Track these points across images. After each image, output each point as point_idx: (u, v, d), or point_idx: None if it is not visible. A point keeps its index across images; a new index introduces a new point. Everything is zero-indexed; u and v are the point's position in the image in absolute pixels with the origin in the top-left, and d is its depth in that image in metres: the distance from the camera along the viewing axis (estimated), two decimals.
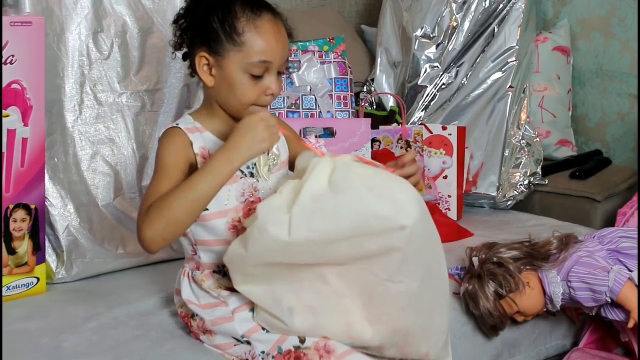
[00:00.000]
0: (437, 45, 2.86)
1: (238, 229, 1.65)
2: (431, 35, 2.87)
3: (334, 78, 2.69)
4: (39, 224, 2.00)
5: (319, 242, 1.49)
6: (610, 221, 2.71)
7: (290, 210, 1.49)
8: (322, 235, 1.49)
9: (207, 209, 1.63)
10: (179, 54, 1.73)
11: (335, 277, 1.56)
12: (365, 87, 3.00)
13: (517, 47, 2.81)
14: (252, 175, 1.68)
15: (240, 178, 1.67)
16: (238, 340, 1.67)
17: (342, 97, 2.67)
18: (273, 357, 1.63)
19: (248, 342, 1.66)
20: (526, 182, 2.80)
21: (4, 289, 1.95)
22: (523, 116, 2.84)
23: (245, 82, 1.62)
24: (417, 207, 1.50)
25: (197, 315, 1.71)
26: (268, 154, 1.70)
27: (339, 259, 1.53)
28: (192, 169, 1.64)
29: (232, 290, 1.66)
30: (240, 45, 1.61)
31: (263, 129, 1.57)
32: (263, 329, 1.65)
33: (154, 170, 1.64)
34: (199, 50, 1.64)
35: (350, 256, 1.52)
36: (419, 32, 2.87)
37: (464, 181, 2.72)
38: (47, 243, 2.06)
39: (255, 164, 1.68)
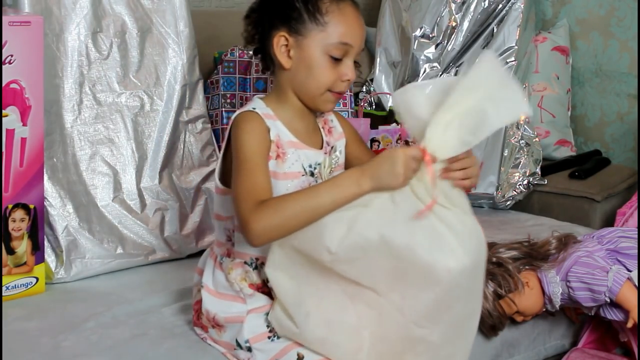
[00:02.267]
0: (437, 46, 2.86)
1: None
2: (430, 36, 2.87)
3: None
4: (38, 223, 2.00)
5: (366, 249, 1.48)
6: (609, 221, 2.71)
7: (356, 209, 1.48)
8: (372, 245, 1.48)
9: None
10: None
11: (363, 301, 1.54)
12: (364, 87, 3.00)
13: (516, 47, 2.81)
14: (312, 174, 1.66)
15: (302, 176, 1.64)
16: (239, 345, 1.66)
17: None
18: None
19: (249, 349, 1.65)
20: (525, 182, 2.80)
21: (3, 288, 1.95)
22: (522, 116, 2.83)
23: (324, 64, 1.61)
24: (471, 258, 1.49)
25: (206, 308, 1.69)
26: (331, 155, 1.69)
27: (375, 279, 1.51)
28: (268, 153, 1.61)
29: (256, 288, 1.66)
30: (323, 25, 1.59)
31: (403, 164, 1.48)
32: (268, 337, 1.64)
33: (237, 159, 1.57)
34: (278, 31, 1.61)
35: (388, 279, 1.50)
36: (418, 32, 2.88)
37: None
38: (46, 243, 2.06)
39: (319, 164, 1.67)
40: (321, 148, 1.69)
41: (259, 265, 1.65)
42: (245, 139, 1.58)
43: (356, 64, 1.65)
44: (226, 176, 1.65)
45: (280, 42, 1.61)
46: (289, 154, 1.63)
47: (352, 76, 1.62)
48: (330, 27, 1.60)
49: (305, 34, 1.60)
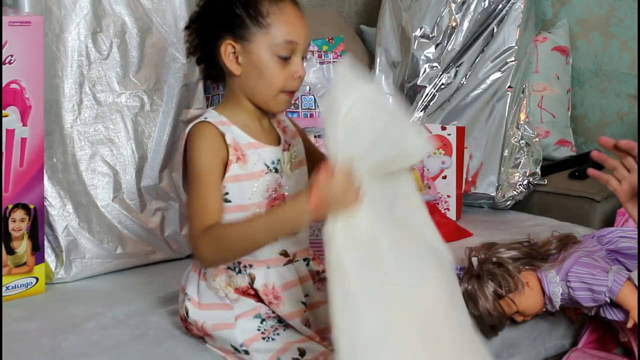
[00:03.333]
0: (437, 46, 2.86)
1: None
2: (430, 36, 2.87)
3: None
4: (38, 224, 1.99)
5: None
6: (609, 221, 2.71)
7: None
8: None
9: (229, 201, 1.63)
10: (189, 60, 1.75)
11: None
12: None
13: (516, 47, 2.81)
14: (276, 170, 1.67)
15: (266, 173, 1.66)
16: (236, 349, 1.66)
17: None
18: None
19: (246, 352, 1.65)
20: (525, 182, 2.80)
21: (3, 289, 1.95)
22: (522, 116, 2.84)
23: (274, 65, 1.63)
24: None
25: (194, 319, 1.69)
26: (290, 150, 1.71)
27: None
28: (224, 164, 1.63)
29: (241, 292, 1.66)
30: (266, 27, 1.62)
31: (347, 190, 1.50)
32: (263, 338, 1.65)
33: (190, 175, 1.62)
34: (223, 39, 1.64)
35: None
36: (418, 32, 2.87)
37: (463, 181, 2.72)
38: (46, 243, 2.06)
39: (279, 160, 1.68)
40: (279, 144, 1.71)
41: (242, 268, 1.66)
42: (197, 156, 1.62)
43: (303, 59, 1.67)
44: None
45: (227, 50, 1.64)
46: (249, 154, 1.64)
47: (302, 72, 1.65)
48: (273, 28, 1.62)
49: (250, 39, 1.62)
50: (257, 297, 1.67)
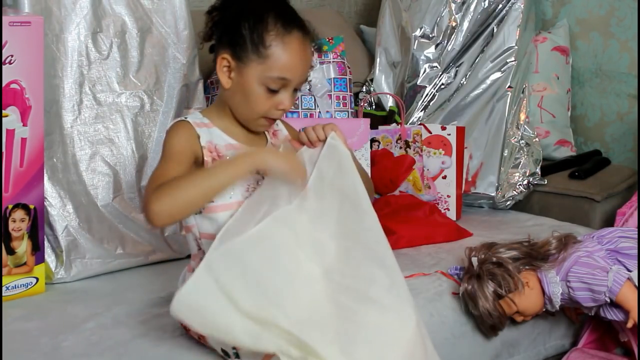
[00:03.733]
0: (437, 46, 2.86)
1: None
2: (430, 36, 2.87)
3: (333, 78, 2.69)
4: (38, 224, 2.00)
5: None
6: (609, 221, 2.71)
7: None
8: None
9: (212, 201, 1.64)
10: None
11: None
12: (364, 87, 3.00)
13: (516, 47, 2.81)
14: (258, 172, 1.68)
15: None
16: (226, 353, 1.66)
17: (341, 97, 2.67)
18: None
19: (237, 355, 1.65)
20: (525, 182, 2.80)
21: (3, 289, 1.95)
22: (522, 116, 2.84)
23: (260, 94, 1.64)
24: None
25: None
26: None
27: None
28: (198, 163, 1.65)
29: None
30: (263, 58, 1.62)
31: (294, 166, 1.61)
32: None
33: (161, 157, 1.64)
34: (223, 51, 1.65)
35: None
36: (418, 32, 2.87)
37: (463, 181, 2.72)
38: (46, 243, 2.06)
39: None
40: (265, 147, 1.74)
41: None
42: (168, 142, 1.65)
43: (296, 91, 1.67)
44: None
45: (222, 63, 1.65)
46: (227, 156, 1.66)
47: (287, 106, 1.66)
48: (270, 60, 1.62)
49: (245, 62, 1.63)
50: None
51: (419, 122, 2.79)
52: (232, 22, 1.64)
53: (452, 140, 2.65)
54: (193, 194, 1.56)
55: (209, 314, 1.50)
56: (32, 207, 1.98)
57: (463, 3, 2.83)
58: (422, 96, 2.87)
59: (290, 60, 1.63)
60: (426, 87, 2.87)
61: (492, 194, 2.76)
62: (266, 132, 1.76)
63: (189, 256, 1.77)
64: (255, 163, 1.59)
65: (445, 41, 2.85)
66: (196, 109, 1.74)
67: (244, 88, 1.64)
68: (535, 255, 2.06)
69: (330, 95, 2.66)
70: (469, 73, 2.84)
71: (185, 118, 1.68)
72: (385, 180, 2.51)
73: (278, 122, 1.79)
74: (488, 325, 2.04)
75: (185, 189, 1.55)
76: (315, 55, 2.66)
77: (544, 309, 2.07)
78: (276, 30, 1.62)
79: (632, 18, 3.12)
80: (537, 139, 2.88)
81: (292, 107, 2.56)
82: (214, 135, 1.67)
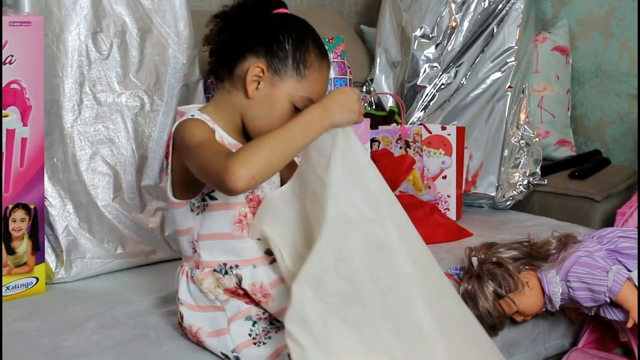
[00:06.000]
0: (437, 46, 2.86)
1: (243, 224, 1.65)
2: (430, 36, 2.87)
3: (334, 78, 2.69)
4: (38, 224, 2.00)
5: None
6: (609, 221, 2.71)
7: None
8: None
9: (215, 199, 1.63)
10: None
11: None
12: (364, 87, 3.00)
13: (516, 47, 2.81)
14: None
15: None
16: (226, 356, 1.66)
17: None
18: None
19: (237, 358, 1.66)
20: (525, 182, 2.80)
21: (3, 288, 1.95)
22: (522, 116, 2.84)
23: (285, 110, 1.64)
24: None
25: (189, 323, 1.70)
26: None
27: None
28: None
29: (231, 293, 1.67)
30: (302, 77, 1.63)
31: (356, 101, 1.56)
32: (254, 343, 1.65)
33: (191, 146, 1.57)
34: (257, 59, 1.63)
35: None
36: (418, 32, 2.88)
37: (463, 181, 2.72)
38: (46, 243, 2.06)
39: None
40: None
41: (228, 270, 1.66)
42: (194, 131, 1.60)
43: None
44: (178, 189, 1.67)
45: (254, 72, 1.63)
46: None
47: None
48: (306, 81, 1.64)
49: (282, 77, 1.63)
50: (247, 297, 1.67)
51: (419, 122, 2.80)
52: (270, 33, 1.63)
53: (452, 140, 2.65)
54: (274, 154, 1.50)
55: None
56: (32, 207, 1.98)
57: (463, 3, 2.83)
58: (422, 96, 2.87)
59: (322, 84, 1.66)
60: (426, 87, 2.87)
61: (492, 194, 2.76)
62: None
63: None
64: (326, 125, 1.54)
65: (445, 41, 2.85)
66: (192, 106, 1.71)
67: (272, 101, 1.63)
68: (535, 255, 2.06)
69: None
70: (469, 73, 2.84)
71: (193, 116, 1.65)
72: (386, 180, 2.50)
73: None
74: (488, 325, 2.04)
75: (264, 149, 1.49)
76: None
77: (544, 309, 2.08)
78: (315, 54, 1.64)
79: (632, 18, 3.12)
80: (537, 139, 2.88)
81: None
82: (220, 133, 1.65)
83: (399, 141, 2.57)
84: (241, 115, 1.66)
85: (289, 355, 1.61)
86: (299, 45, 1.63)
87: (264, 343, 1.65)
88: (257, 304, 1.67)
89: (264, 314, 1.67)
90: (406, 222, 1.59)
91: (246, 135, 1.70)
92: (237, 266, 1.66)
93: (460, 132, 2.67)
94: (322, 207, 1.51)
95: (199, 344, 1.71)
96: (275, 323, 1.67)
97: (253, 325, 1.66)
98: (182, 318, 1.71)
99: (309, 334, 1.47)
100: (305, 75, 1.63)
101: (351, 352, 1.50)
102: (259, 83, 1.63)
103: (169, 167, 1.66)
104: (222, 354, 1.67)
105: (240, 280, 1.65)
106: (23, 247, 1.98)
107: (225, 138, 1.65)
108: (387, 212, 1.56)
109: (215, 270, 1.67)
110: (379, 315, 1.52)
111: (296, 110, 1.63)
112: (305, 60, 1.63)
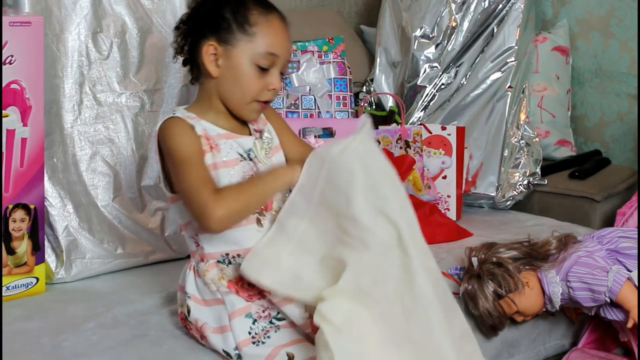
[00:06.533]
0: (437, 46, 2.86)
1: None
2: (430, 36, 2.87)
3: (334, 78, 2.69)
4: (38, 224, 2.00)
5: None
6: (609, 221, 2.71)
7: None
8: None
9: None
10: (179, 59, 1.75)
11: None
12: (364, 87, 3.00)
13: (516, 47, 2.81)
14: (251, 159, 1.70)
15: (241, 161, 1.68)
16: (228, 354, 1.67)
17: (341, 97, 2.67)
18: None
19: (239, 357, 1.66)
20: (525, 182, 2.80)
21: (3, 289, 1.95)
22: (522, 116, 2.84)
23: (252, 73, 1.66)
24: None
25: (195, 317, 1.70)
26: (262, 138, 1.74)
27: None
28: (202, 151, 1.66)
29: (235, 285, 1.67)
30: (251, 36, 1.65)
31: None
32: (253, 343, 1.65)
33: (176, 161, 1.63)
34: (207, 40, 1.66)
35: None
36: (418, 32, 2.87)
37: (463, 181, 2.72)
38: (46, 243, 2.06)
39: (252, 149, 1.71)
40: (250, 134, 1.74)
41: (231, 259, 1.68)
42: (177, 142, 1.64)
43: (282, 74, 1.70)
44: (172, 184, 1.70)
45: (209, 51, 1.66)
46: (221, 144, 1.68)
47: (278, 86, 1.68)
48: (257, 37, 1.65)
49: (234, 44, 1.65)
50: (248, 292, 1.67)
51: (419, 122, 2.79)
52: (212, 12, 1.67)
53: (452, 140, 2.65)
54: (252, 201, 1.63)
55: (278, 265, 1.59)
56: (32, 207, 1.98)
57: (463, 3, 2.83)
58: (422, 96, 2.87)
59: (277, 35, 1.67)
60: (426, 87, 2.87)
61: (492, 194, 2.76)
62: (249, 124, 1.76)
63: (188, 256, 1.77)
64: (290, 182, 1.63)
65: (446, 41, 2.85)
66: (178, 107, 1.73)
67: (235, 71, 1.66)
68: (535, 255, 2.06)
69: (330, 95, 2.66)
70: (469, 73, 2.84)
71: (174, 114, 1.68)
72: None
73: (270, 128, 1.79)
74: (488, 325, 2.04)
75: (246, 195, 1.61)
76: (316, 55, 2.67)
77: (544, 309, 2.07)
78: (257, 10, 1.66)
79: (632, 18, 3.12)
80: (537, 139, 2.88)
81: (293, 108, 2.59)
82: (204, 126, 1.68)
83: (399, 141, 2.57)
84: (219, 98, 1.69)
85: (287, 355, 1.61)
86: (238, 9, 1.65)
87: (262, 343, 1.65)
88: (259, 298, 1.67)
89: (263, 312, 1.67)
90: (420, 237, 1.61)
91: (234, 120, 1.72)
92: (239, 255, 1.67)
93: (461, 132, 2.67)
94: (361, 229, 1.55)
95: (202, 339, 1.71)
96: (274, 322, 1.68)
97: (253, 323, 1.66)
98: (188, 312, 1.71)
99: (340, 315, 1.53)
100: (254, 33, 1.65)
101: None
102: (217, 60, 1.66)
103: (159, 163, 1.71)
104: (224, 351, 1.67)
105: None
106: (23, 247, 1.98)
107: (211, 130, 1.67)
108: (407, 232, 1.57)
109: (219, 262, 1.68)
110: (400, 339, 1.55)
111: (263, 71, 1.65)
112: (248, 19, 1.65)
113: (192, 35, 1.69)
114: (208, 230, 1.62)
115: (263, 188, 1.64)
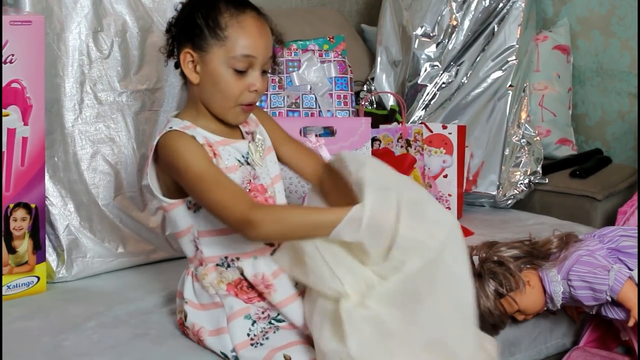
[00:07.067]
0: (437, 44, 2.86)
1: None
2: (431, 34, 2.87)
3: (334, 77, 2.69)
4: (39, 223, 2.00)
5: None
6: (610, 220, 2.71)
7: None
8: None
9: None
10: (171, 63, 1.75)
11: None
12: (365, 86, 3.00)
13: (517, 46, 2.81)
14: (248, 163, 1.70)
15: (240, 167, 1.68)
16: (225, 356, 1.67)
17: (342, 96, 2.67)
18: None
19: (236, 358, 1.66)
20: (526, 181, 2.80)
21: (4, 288, 1.95)
22: (523, 115, 2.84)
23: (229, 77, 1.64)
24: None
25: (192, 322, 1.70)
26: (255, 140, 1.73)
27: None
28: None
29: (234, 288, 1.67)
30: (223, 40, 1.63)
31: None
32: (252, 344, 1.65)
33: (192, 177, 1.59)
34: (184, 47, 1.66)
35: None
36: (419, 31, 2.87)
37: (464, 180, 2.72)
38: (47, 242, 2.06)
39: (248, 152, 1.71)
40: (243, 138, 1.73)
41: (230, 262, 1.67)
42: (186, 157, 1.61)
43: (265, 73, 1.67)
44: (168, 191, 1.68)
45: (187, 59, 1.66)
46: (220, 151, 1.67)
47: (259, 86, 1.65)
48: (230, 41, 1.63)
49: (207, 50, 1.64)
50: (247, 294, 1.67)
51: (420, 121, 2.79)
52: (187, 18, 1.66)
53: (453, 139, 2.65)
54: (296, 233, 1.58)
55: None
56: (33, 206, 1.98)
57: (464, 2, 2.83)
58: (423, 95, 2.87)
59: (250, 36, 1.64)
60: (427, 86, 2.87)
61: (493, 193, 2.76)
62: (240, 127, 1.75)
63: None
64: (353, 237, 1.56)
65: (446, 40, 2.85)
66: (171, 116, 1.72)
67: (212, 76, 1.64)
68: (536, 254, 2.06)
69: (331, 94, 2.66)
70: (470, 72, 2.84)
71: (171, 128, 1.66)
72: None
73: (262, 129, 1.78)
74: (489, 324, 2.04)
75: (290, 224, 1.57)
76: (317, 54, 2.67)
77: (545, 308, 2.07)
78: (229, 12, 1.64)
79: (633, 17, 3.12)
80: (538, 138, 2.88)
81: (293, 107, 2.59)
82: (202, 134, 1.67)
83: (400, 140, 2.57)
84: (203, 104, 1.68)
85: (284, 358, 1.61)
86: (209, 13, 1.64)
87: (261, 344, 1.65)
88: (258, 300, 1.67)
89: (262, 313, 1.67)
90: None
91: (226, 124, 1.71)
92: (238, 259, 1.66)
93: (461, 131, 2.67)
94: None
95: (200, 343, 1.71)
96: (274, 322, 1.67)
97: (252, 324, 1.66)
98: (185, 317, 1.71)
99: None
100: (226, 37, 1.63)
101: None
102: (196, 67, 1.65)
103: (151, 171, 1.69)
104: (222, 353, 1.67)
105: (242, 272, 1.66)
106: (24, 246, 1.98)
107: (210, 137, 1.67)
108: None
109: (217, 265, 1.68)
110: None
111: (240, 74, 1.63)
112: (219, 23, 1.63)
113: (175, 41, 1.69)
114: (249, 238, 1.58)
115: (316, 217, 1.57)
